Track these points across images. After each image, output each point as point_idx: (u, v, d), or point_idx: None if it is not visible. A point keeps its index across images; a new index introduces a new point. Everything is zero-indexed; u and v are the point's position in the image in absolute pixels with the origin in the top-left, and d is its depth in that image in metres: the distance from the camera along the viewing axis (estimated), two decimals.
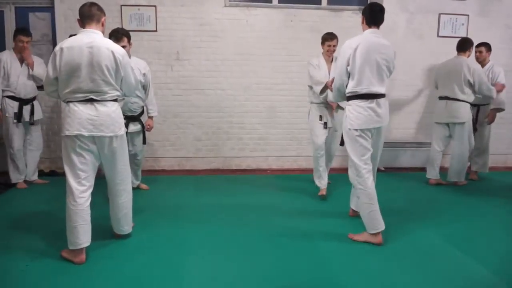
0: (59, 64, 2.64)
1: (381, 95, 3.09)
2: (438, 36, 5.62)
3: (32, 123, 4.57)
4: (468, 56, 4.79)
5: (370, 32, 3.09)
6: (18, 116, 4.45)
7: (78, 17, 2.75)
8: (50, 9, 5.10)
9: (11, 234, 3.22)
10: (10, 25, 5.13)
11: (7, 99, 4.44)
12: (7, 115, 4.45)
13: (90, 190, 2.77)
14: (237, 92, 5.45)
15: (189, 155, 5.52)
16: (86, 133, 2.65)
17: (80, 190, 2.69)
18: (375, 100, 3.06)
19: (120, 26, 4.53)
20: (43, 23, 5.18)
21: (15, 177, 4.56)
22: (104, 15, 2.81)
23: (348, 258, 2.89)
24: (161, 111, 4.99)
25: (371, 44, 3.03)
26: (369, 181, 3.09)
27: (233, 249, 3.02)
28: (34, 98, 4.58)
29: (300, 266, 2.76)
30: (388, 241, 3.12)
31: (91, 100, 2.68)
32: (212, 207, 3.97)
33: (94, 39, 2.66)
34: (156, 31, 5.20)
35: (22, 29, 4.51)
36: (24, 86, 4.47)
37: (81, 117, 2.65)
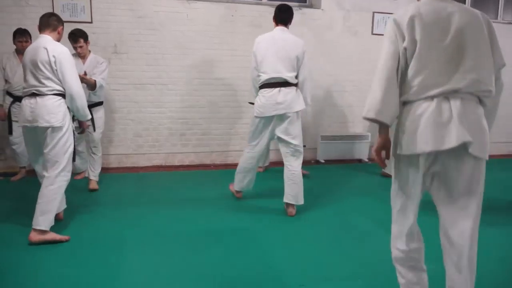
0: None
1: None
2: (372, 33, 5.89)
3: None
4: None
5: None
6: None
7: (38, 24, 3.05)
8: None
9: None
10: None
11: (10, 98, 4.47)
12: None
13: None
14: (178, 86, 5.36)
15: (129, 152, 5.35)
16: (28, 124, 2.91)
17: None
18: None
19: None
20: None
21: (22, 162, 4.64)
22: (62, 25, 3.11)
23: (290, 251, 2.98)
24: None
25: None
26: None
27: (172, 245, 2.99)
28: None
29: (240, 259, 2.79)
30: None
31: (33, 94, 2.92)
32: (153, 204, 3.90)
33: (39, 42, 2.95)
34: (91, 22, 4.96)
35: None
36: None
37: (25, 110, 2.92)
